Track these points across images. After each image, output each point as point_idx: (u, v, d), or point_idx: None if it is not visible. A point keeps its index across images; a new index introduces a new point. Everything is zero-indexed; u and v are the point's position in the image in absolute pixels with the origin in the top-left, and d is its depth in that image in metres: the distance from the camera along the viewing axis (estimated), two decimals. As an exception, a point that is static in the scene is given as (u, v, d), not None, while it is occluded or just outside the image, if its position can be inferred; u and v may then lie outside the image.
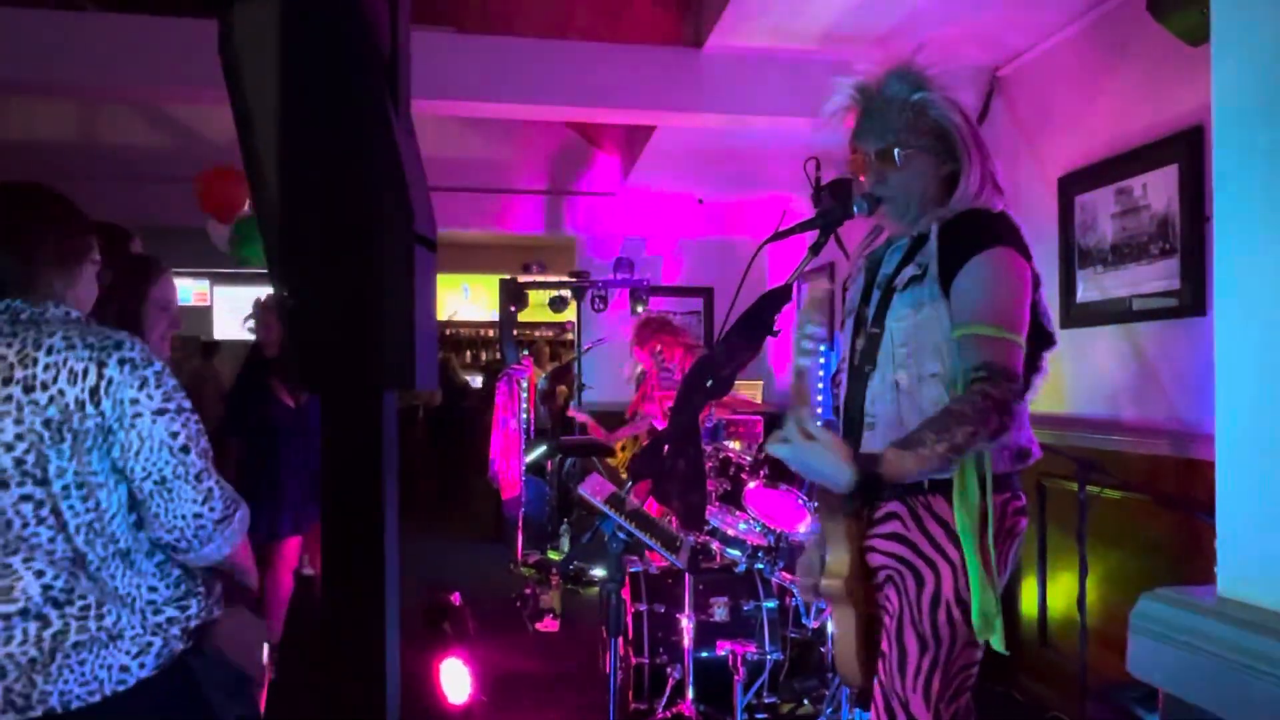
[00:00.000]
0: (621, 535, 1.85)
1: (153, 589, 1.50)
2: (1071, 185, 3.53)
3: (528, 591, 4.87)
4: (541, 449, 5.89)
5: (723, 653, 2.79)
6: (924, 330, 1.67)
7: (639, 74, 3.96)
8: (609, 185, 6.74)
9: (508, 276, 6.55)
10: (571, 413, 5.75)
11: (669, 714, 3.08)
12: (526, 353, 6.03)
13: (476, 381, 10.37)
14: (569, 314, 7.09)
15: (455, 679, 3.10)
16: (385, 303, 0.85)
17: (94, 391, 1.40)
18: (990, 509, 1.64)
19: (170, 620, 1.51)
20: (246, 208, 5.02)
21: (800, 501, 2.84)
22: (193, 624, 1.55)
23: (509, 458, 4.93)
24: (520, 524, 5.04)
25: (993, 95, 4.03)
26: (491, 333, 11.08)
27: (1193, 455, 2.88)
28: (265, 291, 7.72)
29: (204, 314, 9.58)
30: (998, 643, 1.63)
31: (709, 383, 1.91)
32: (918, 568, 1.66)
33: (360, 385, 0.85)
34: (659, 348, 4.99)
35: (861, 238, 2.00)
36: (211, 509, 1.49)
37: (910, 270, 1.71)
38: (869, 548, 1.75)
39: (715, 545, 3.17)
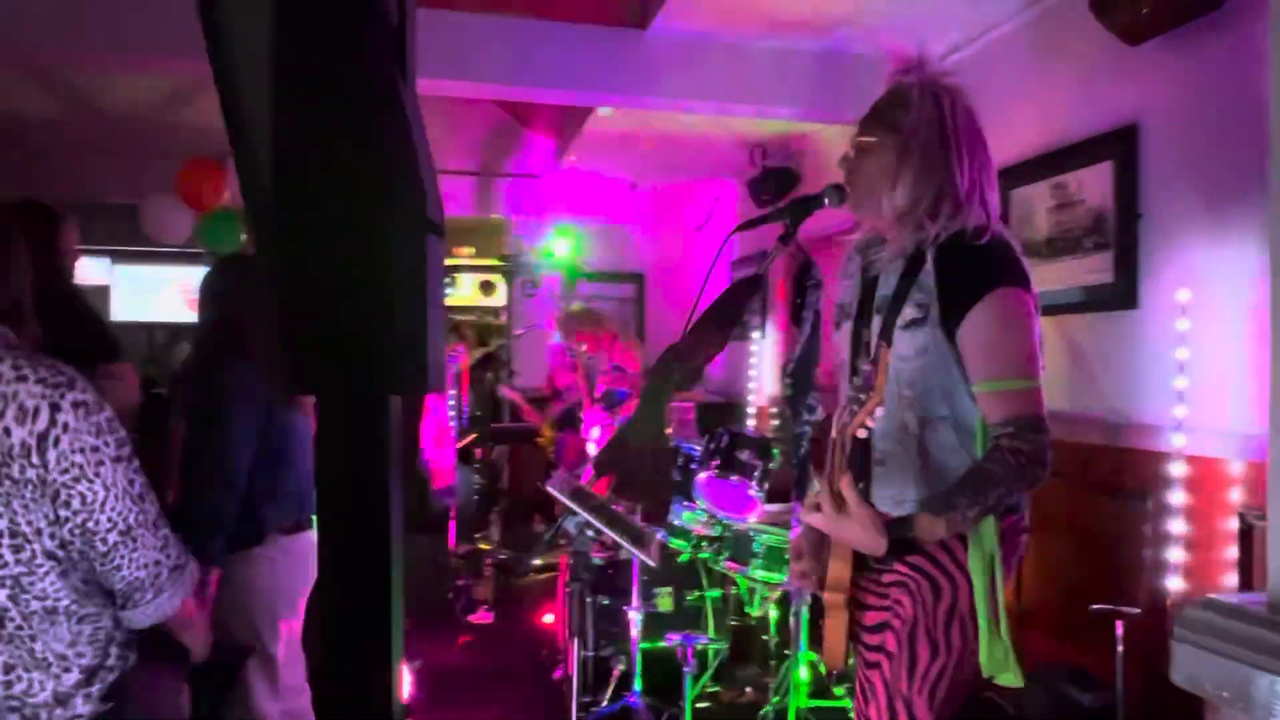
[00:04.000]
0: (590, 533, 1.78)
1: (75, 650, 1.35)
2: (1008, 179, 3.60)
3: (461, 583, 4.76)
4: (471, 436, 5.78)
5: (672, 644, 2.77)
6: (929, 374, 1.63)
7: (580, 54, 3.86)
8: (541, 167, 6.61)
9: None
10: (504, 390, 5.64)
11: (615, 707, 3.05)
12: (456, 338, 5.88)
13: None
14: (497, 297, 6.96)
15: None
16: (396, 297, 0.77)
17: (41, 439, 1.26)
18: (998, 554, 1.63)
19: (87, 681, 1.36)
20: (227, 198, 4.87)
21: (751, 492, 2.83)
22: (110, 679, 1.40)
23: (441, 446, 4.80)
24: (453, 514, 4.91)
25: (930, 88, 4.08)
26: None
27: (1123, 444, 2.98)
28: (174, 271, 7.33)
29: (102, 294, 9.05)
30: (1010, 679, 1.63)
31: (676, 375, 1.87)
32: (936, 579, 1.65)
33: (366, 390, 0.77)
34: (582, 344, 4.93)
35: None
36: (168, 555, 1.39)
37: (911, 312, 1.65)
38: (876, 564, 1.73)
39: (659, 536, 3.14)
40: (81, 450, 1.29)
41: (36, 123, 5.79)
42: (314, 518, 2.25)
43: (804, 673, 2.96)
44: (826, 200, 1.84)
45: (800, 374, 2.67)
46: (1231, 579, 2.64)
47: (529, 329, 6.15)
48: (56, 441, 1.27)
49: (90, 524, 1.31)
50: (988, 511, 1.54)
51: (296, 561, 2.24)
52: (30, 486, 1.26)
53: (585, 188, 6.79)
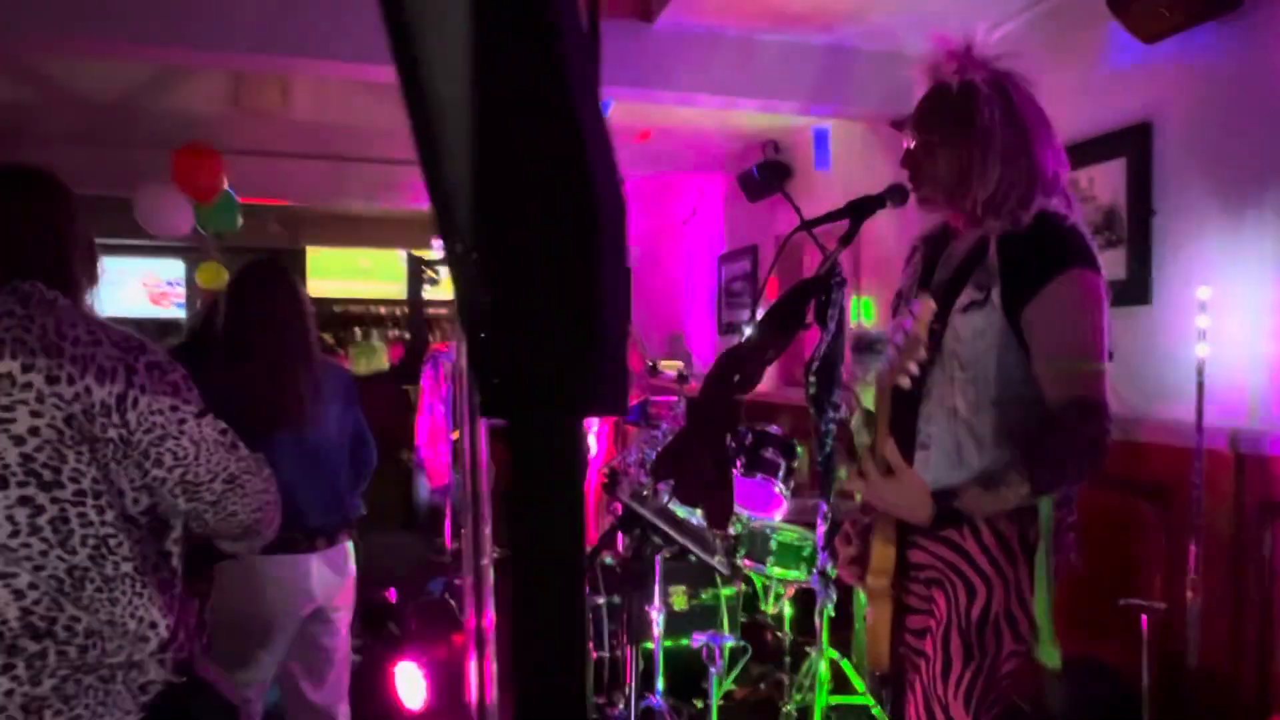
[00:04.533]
0: (657, 539, 1.75)
1: (151, 618, 1.32)
2: (1014, 175, 3.62)
3: (458, 582, 4.69)
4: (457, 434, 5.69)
5: (698, 644, 2.75)
6: (985, 357, 1.62)
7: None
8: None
9: (415, 252, 6.26)
10: None
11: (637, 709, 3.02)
12: (453, 334, 5.79)
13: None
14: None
15: (410, 684, 2.94)
16: (601, 317, 0.72)
17: (121, 399, 1.26)
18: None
19: (161, 649, 1.34)
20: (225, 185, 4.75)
21: (776, 490, 2.81)
22: (183, 655, 1.39)
23: (436, 444, 4.71)
24: (449, 512, 4.84)
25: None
26: (384, 310, 10.66)
27: (1139, 439, 3.01)
28: (136, 264, 7.07)
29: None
30: (1053, 657, 1.63)
31: (736, 377, 1.84)
32: (971, 580, 1.64)
33: (565, 413, 0.72)
34: None
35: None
36: (270, 487, 1.44)
37: (970, 294, 1.64)
38: (913, 543, 1.73)
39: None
40: (160, 411, 1.30)
41: None
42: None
43: (823, 669, 2.95)
44: (889, 201, 1.83)
45: (824, 372, 2.64)
46: (1253, 573, 2.68)
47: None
48: (135, 402, 1.27)
49: (190, 477, 1.33)
50: (1040, 492, 1.52)
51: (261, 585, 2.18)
52: (113, 446, 1.27)
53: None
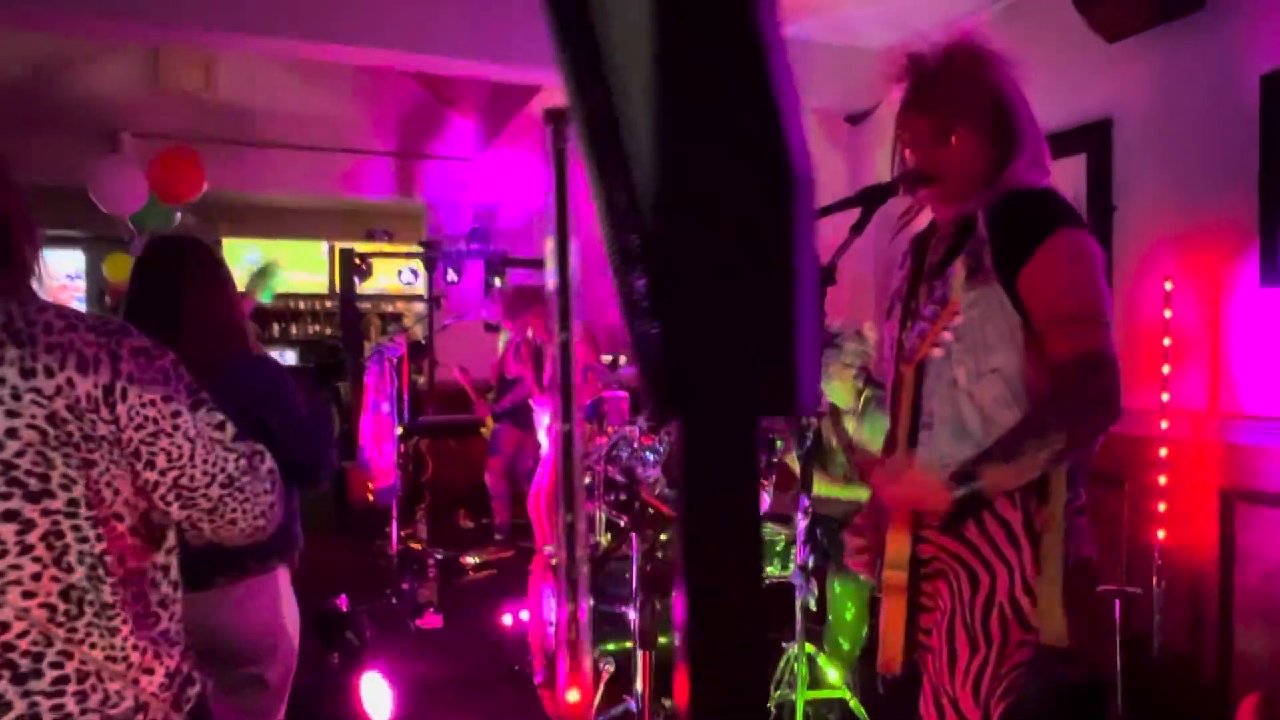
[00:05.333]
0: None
1: (156, 647, 1.16)
2: (972, 170, 3.67)
3: (405, 586, 4.52)
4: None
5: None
6: (982, 325, 1.60)
7: (541, 28, 3.68)
8: (464, 150, 6.34)
9: (345, 244, 6.03)
10: (457, 374, 5.39)
11: (619, 710, 2.94)
12: (397, 329, 5.58)
13: (289, 358, 9.54)
14: (417, 286, 6.67)
15: (376, 695, 2.79)
16: (793, 306, 0.64)
17: (109, 391, 1.10)
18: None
19: (168, 685, 1.18)
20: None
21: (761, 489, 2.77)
22: (193, 693, 1.22)
23: (381, 444, 4.53)
24: (394, 514, 4.66)
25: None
26: (303, 305, 10.25)
27: (1101, 428, 3.08)
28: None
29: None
30: (1060, 637, 1.62)
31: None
32: (974, 569, 1.61)
33: (753, 412, 0.64)
34: (529, 329, 4.77)
35: (897, 218, 1.92)
36: (275, 487, 1.28)
37: (964, 263, 1.60)
38: (921, 536, 1.70)
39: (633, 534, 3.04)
40: (152, 403, 1.14)
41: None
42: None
43: (799, 664, 2.93)
44: (902, 188, 1.81)
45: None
46: (1214, 558, 2.77)
47: (457, 318, 5.90)
48: (124, 394, 1.12)
49: (185, 480, 1.17)
50: (1058, 457, 1.49)
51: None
52: (107, 445, 1.11)
53: (514, 172, 6.57)
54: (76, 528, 1.09)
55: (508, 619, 4.20)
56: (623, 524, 3.37)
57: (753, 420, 0.67)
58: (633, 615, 2.94)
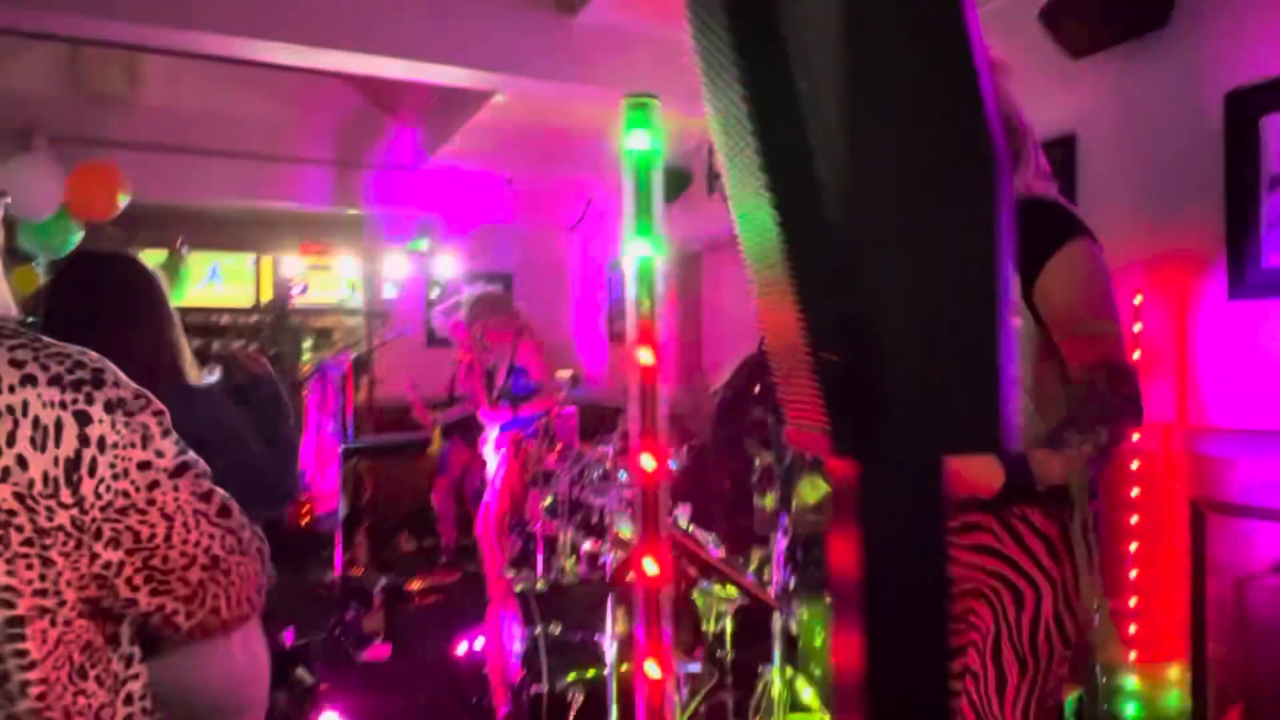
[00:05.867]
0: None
1: None
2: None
3: (348, 616, 4.29)
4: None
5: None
6: None
7: (501, 33, 3.56)
8: (405, 159, 6.14)
9: (278, 255, 5.76)
10: (407, 390, 5.17)
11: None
12: (342, 345, 5.34)
13: (212, 377, 9.12)
14: (355, 299, 6.42)
15: (334, 738, 2.60)
16: (997, 338, 0.56)
17: (71, 467, 0.87)
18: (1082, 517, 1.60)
19: None
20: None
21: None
22: None
23: (325, 466, 4.30)
24: (339, 540, 4.42)
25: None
26: (227, 320, 9.83)
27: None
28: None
29: None
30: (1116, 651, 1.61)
31: (758, 388, 1.69)
32: (1018, 586, 1.57)
33: (933, 449, 0.55)
34: (480, 332, 4.61)
35: None
36: (263, 563, 1.06)
37: None
38: (948, 559, 1.65)
39: (605, 559, 2.93)
40: (126, 473, 0.90)
41: None
42: None
43: (776, 688, 2.85)
44: None
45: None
46: (1186, 569, 2.79)
47: (400, 333, 5.69)
48: (93, 467, 0.88)
49: (157, 562, 0.93)
50: (1100, 450, 1.48)
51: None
52: (63, 536, 0.87)
53: (456, 182, 6.39)
54: (17, 651, 0.85)
55: (462, 648, 4.02)
56: (590, 547, 3.25)
57: (944, 458, 0.57)
58: (606, 641, 2.82)
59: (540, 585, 3.22)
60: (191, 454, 0.98)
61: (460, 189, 6.35)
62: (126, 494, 0.90)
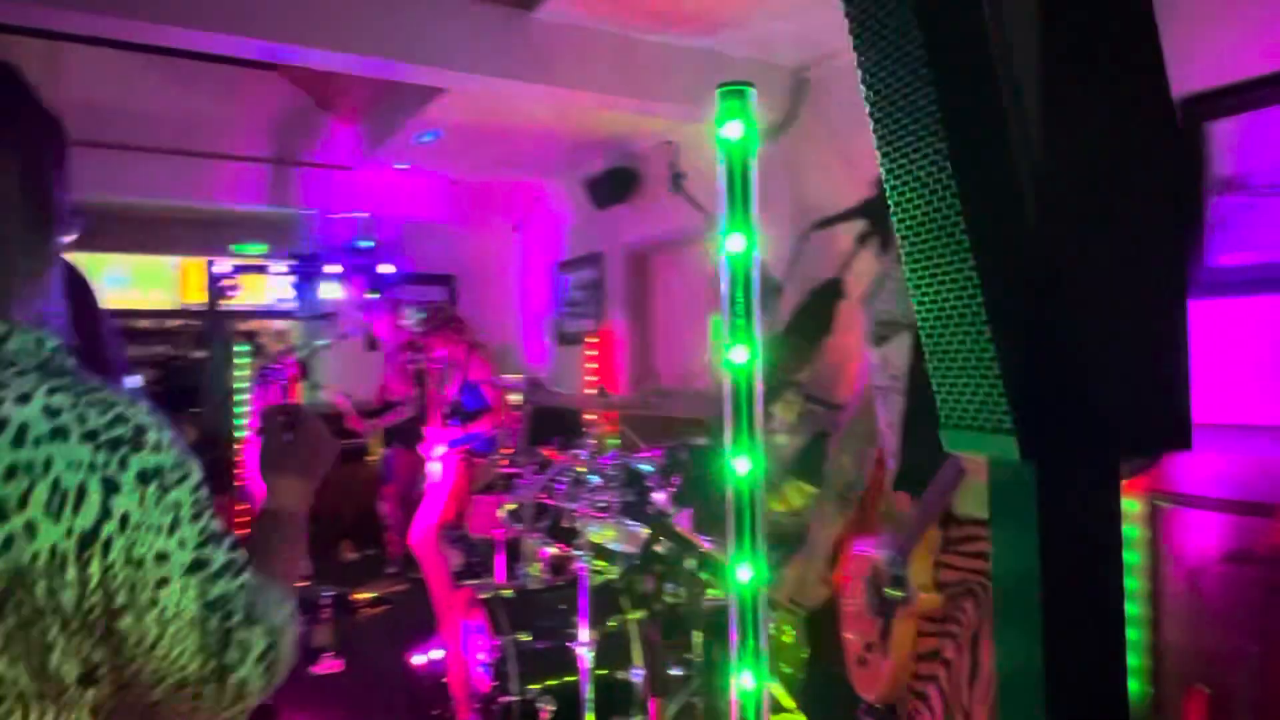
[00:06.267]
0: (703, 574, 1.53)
1: None
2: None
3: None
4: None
5: (637, 678, 2.54)
6: None
7: (454, 28, 3.48)
8: (344, 157, 5.96)
9: (206, 257, 5.53)
10: (336, 398, 5.01)
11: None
12: (286, 349, 5.14)
13: (135, 381, 8.71)
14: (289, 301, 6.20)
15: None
16: (1183, 334, 0.56)
17: (85, 543, 0.74)
18: None
19: None
20: None
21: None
22: None
23: (270, 475, 4.13)
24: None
25: (801, 95, 4.16)
26: (148, 324, 9.42)
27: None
28: None
29: None
30: None
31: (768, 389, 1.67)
32: None
33: (1141, 449, 0.54)
34: (435, 351, 4.52)
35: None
36: (272, 661, 0.86)
37: None
38: (944, 564, 1.66)
39: (578, 565, 2.89)
40: (140, 563, 0.76)
41: None
42: None
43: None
44: None
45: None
46: (1144, 560, 2.89)
47: (342, 337, 5.52)
48: (107, 546, 0.75)
49: (151, 669, 0.79)
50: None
51: None
52: (58, 619, 0.74)
53: (398, 182, 6.24)
54: None
55: (417, 659, 3.92)
56: (559, 552, 3.20)
57: (1118, 459, 0.55)
58: (578, 648, 2.77)
59: (508, 592, 3.16)
60: (211, 545, 0.83)
61: (397, 189, 6.21)
62: (133, 588, 0.77)
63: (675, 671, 2.57)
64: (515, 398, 4.85)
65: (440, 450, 4.47)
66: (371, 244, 6.10)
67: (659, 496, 2.65)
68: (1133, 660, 2.90)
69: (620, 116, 4.47)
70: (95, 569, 0.75)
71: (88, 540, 0.74)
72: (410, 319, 4.61)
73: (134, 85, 5.27)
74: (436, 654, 3.99)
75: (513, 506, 3.45)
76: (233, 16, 3.20)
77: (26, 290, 0.84)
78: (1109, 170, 0.51)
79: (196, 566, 0.81)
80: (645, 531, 2.75)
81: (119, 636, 0.77)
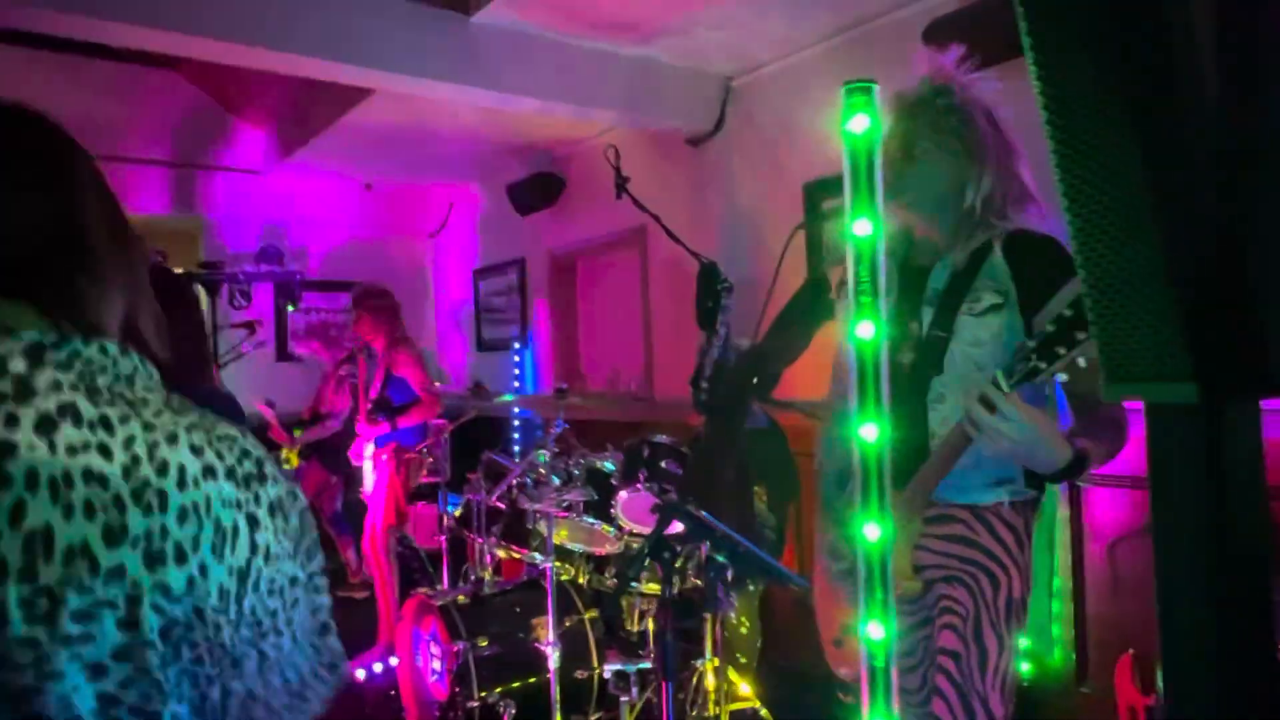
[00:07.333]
0: (720, 557, 1.57)
1: None
2: (817, 192, 3.89)
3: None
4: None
5: (610, 672, 2.57)
6: (1005, 357, 1.63)
7: (386, 28, 3.43)
8: (252, 161, 5.76)
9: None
10: (259, 406, 4.83)
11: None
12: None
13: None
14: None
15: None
16: None
17: (241, 580, 0.77)
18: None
19: None
20: None
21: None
22: None
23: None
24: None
25: (727, 102, 4.28)
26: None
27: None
28: None
29: None
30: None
31: (755, 379, 1.74)
32: (993, 572, 1.70)
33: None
34: (367, 339, 4.43)
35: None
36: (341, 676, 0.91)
37: (989, 299, 1.70)
38: (921, 546, 1.75)
39: (545, 566, 2.91)
40: (280, 591, 0.80)
41: None
42: None
43: (712, 680, 2.92)
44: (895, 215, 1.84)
45: (717, 379, 2.64)
46: (1066, 535, 3.11)
47: (258, 345, 5.32)
48: (256, 583, 0.78)
49: (258, 690, 0.81)
50: (1109, 457, 1.59)
51: None
52: (212, 654, 0.75)
53: (309, 187, 6.06)
54: None
55: (360, 673, 3.83)
56: (516, 555, 3.19)
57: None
58: (545, 647, 2.78)
59: (461, 599, 3.13)
60: (316, 559, 0.86)
61: (309, 195, 6.04)
62: (274, 614, 0.79)
63: (628, 669, 2.61)
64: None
65: (370, 450, 4.38)
66: (281, 252, 5.91)
67: (624, 496, 2.69)
68: (1058, 630, 3.12)
69: (546, 121, 4.49)
70: (245, 605, 0.77)
71: (244, 576, 0.77)
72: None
73: (21, 82, 4.95)
74: (378, 666, 3.91)
75: (458, 511, 3.42)
76: (136, 5, 2.95)
77: (125, 307, 0.84)
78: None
79: (312, 580, 0.85)
80: (610, 530, 2.78)
81: (258, 659, 0.80)
